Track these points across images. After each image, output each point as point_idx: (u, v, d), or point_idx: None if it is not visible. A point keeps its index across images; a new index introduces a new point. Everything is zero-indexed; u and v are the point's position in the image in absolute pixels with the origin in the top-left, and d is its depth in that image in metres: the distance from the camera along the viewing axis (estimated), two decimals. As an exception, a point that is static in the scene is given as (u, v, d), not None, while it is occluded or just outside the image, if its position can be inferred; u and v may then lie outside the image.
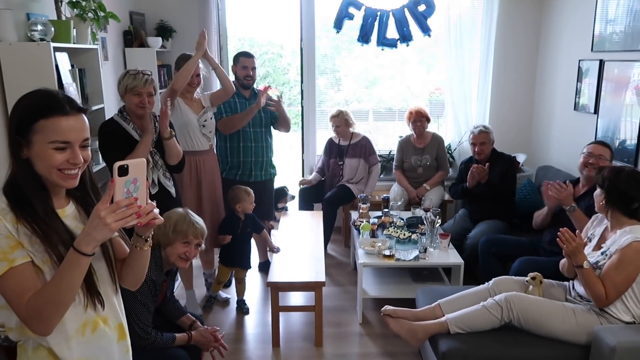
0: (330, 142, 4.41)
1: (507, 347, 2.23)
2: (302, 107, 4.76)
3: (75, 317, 1.26)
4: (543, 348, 2.21)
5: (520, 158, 4.19)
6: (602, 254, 2.21)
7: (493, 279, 2.54)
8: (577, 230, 2.29)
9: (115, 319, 1.38)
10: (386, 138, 5.16)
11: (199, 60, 3.19)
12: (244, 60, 3.58)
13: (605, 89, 3.50)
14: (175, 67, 3.25)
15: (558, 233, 2.17)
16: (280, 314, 3.01)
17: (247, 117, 3.50)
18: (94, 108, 3.02)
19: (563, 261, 2.44)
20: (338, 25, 4.31)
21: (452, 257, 3.19)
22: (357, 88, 5.44)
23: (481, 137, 3.67)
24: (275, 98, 3.64)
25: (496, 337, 2.26)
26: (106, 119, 2.77)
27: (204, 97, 3.33)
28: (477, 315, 2.29)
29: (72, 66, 2.89)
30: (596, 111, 3.59)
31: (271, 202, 3.93)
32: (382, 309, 2.55)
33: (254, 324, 3.29)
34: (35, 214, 1.20)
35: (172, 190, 2.84)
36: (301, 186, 4.39)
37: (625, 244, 2.11)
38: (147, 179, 1.22)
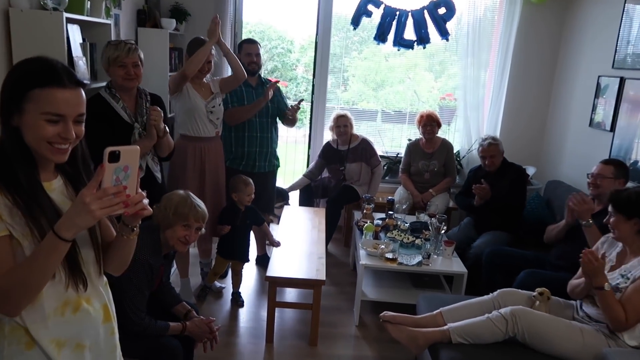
0: (328, 148, 4.31)
1: (510, 362, 2.17)
2: (312, 102, 4.70)
3: (54, 296, 1.20)
4: (546, 366, 2.15)
5: (530, 171, 4.13)
6: (622, 277, 2.14)
7: (498, 291, 2.48)
8: (602, 252, 2.22)
9: (100, 299, 1.32)
10: (393, 140, 5.10)
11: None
12: (247, 47, 3.54)
13: (623, 107, 3.44)
14: (187, 51, 3.18)
15: (581, 253, 2.11)
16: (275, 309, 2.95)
17: (254, 109, 3.45)
18: (102, 84, 2.94)
19: (574, 282, 2.36)
20: (355, 22, 4.24)
21: (456, 266, 3.12)
22: (364, 89, 5.39)
23: (491, 150, 3.61)
24: (294, 103, 3.62)
25: (499, 350, 2.20)
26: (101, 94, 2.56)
27: (214, 83, 3.26)
28: (481, 327, 2.22)
29: (84, 40, 2.82)
30: (612, 129, 3.52)
31: (273, 195, 3.87)
32: (381, 314, 2.49)
33: (248, 317, 3.23)
34: (19, 185, 1.14)
35: (158, 176, 2.75)
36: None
37: None
38: (139, 168, 1.16)
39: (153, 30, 3.81)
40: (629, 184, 2.89)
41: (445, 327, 2.29)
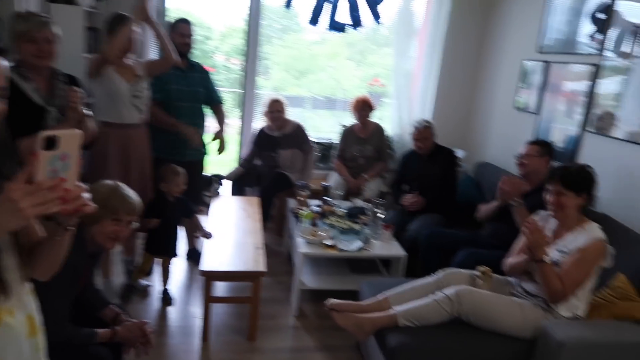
0: (261, 134, 4.17)
1: (456, 341, 2.19)
2: (244, 90, 4.53)
3: None
4: (491, 342, 2.19)
5: (459, 154, 4.24)
6: (559, 252, 2.21)
7: (441, 271, 2.49)
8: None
9: (24, 311, 1.12)
10: (323, 126, 5.05)
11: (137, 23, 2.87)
12: (182, 27, 3.32)
13: (547, 90, 3.59)
14: (107, 29, 2.86)
15: (525, 223, 2.15)
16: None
17: (170, 126, 3.28)
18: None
19: (512, 260, 2.41)
20: (288, 4, 4.10)
21: (395, 249, 3.13)
22: (286, 77, 5.31)
23: (425, 133, 3.67)
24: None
25: (445, 331, 2.21)
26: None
27: (138, 65, 2.99)
28: (427, 309, 2.22)
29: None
30: (537, 111, 3.68)
31: (202, 184, 3.69)
32: (328, 303, 2.42)
33: (179, 316, 3.03)
34: None
35: None
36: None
37: (588, 242, 2.13)
38: (79, 156, 0.97)
39: (66, 7, 3.43)
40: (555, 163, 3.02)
41: (392, 312, 2.26)
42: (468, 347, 2.18)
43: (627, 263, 2.27)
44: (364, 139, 4.22)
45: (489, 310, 2.20)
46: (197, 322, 2.91)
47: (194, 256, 3.69)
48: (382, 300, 2.40)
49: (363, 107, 4.15)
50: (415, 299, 2.31)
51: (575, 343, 2.00)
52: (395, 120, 4.65)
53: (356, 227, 3.23)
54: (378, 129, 4.26)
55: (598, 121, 3.04)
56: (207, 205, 3.75)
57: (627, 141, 2.80)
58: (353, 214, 3.43)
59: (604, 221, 2.38)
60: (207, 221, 3.31)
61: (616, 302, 2.19)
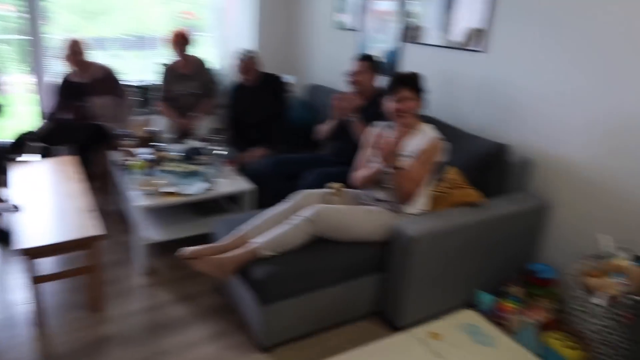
0: (66, 83, 3.61)
1: (319, 258, 2.21)
2: (32, 37, 3.77)
3: None
4: (351, 252, 2.27)
5: (289, 79, 4.18)
6: (402, 156, 2.31)
7: (295, 195, 2.45)
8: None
9: None
10: (135, 68, 4.52)
11: None
12: None
13: (363, 7, 3.66)
14: None
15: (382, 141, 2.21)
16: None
17: None
18: None
19: (363, 173, 2.47)
20: None
21: (241, 184, 3.00)
22: (75, 20, 4.61)
23: (250, 63, 3.54)
24: None
25: (307, 252, 2.20)
26: None
27: None
28: (288, 235, 2.17)
29: None
30: (358, 28, 3.75)
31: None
32: (182, 253, 2.22)
33: (-2, 308, 2.53)
34: None
35: None
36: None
37: (428, 142, 2.28)
38: None
39: None
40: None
41: (252, 245, 2.17)
42: (332, 261, 2.23)
43: (456, 156, 2.51)
44: (187, 75, 3.88)
45: (347, 223, 2.25)
46: (24, 309, 2.48)
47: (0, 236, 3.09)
48: (242, 235, 2.29)
49: (180, 41, 3.78)
50: (274, 228, 2.25)
51: (424, 235, 2.16)
52: (218, 53, 4.36)
53: (196, 168, 3.00)
54: (201, 63, 3.95)
55: (412, 31, 3.22)
56: (5, 173, 3.11)
57: (438, 46, 3.03)
58: (190, 156, 3.18)
59: (432, 122, 2.56)
60: (9, 192, 2.74)
61: (451, 192, 2.41)
